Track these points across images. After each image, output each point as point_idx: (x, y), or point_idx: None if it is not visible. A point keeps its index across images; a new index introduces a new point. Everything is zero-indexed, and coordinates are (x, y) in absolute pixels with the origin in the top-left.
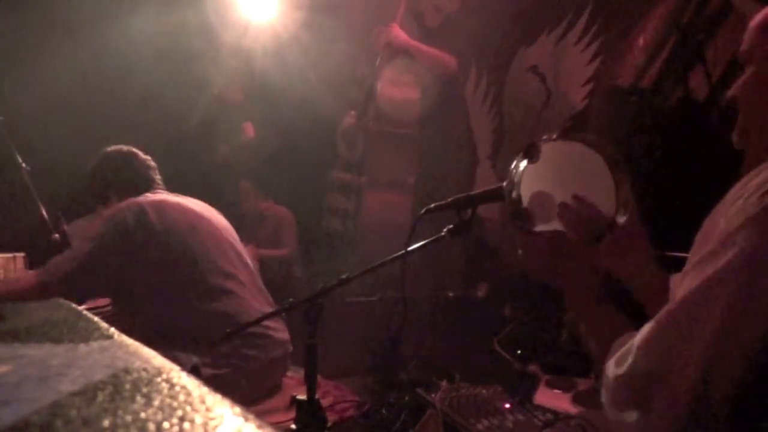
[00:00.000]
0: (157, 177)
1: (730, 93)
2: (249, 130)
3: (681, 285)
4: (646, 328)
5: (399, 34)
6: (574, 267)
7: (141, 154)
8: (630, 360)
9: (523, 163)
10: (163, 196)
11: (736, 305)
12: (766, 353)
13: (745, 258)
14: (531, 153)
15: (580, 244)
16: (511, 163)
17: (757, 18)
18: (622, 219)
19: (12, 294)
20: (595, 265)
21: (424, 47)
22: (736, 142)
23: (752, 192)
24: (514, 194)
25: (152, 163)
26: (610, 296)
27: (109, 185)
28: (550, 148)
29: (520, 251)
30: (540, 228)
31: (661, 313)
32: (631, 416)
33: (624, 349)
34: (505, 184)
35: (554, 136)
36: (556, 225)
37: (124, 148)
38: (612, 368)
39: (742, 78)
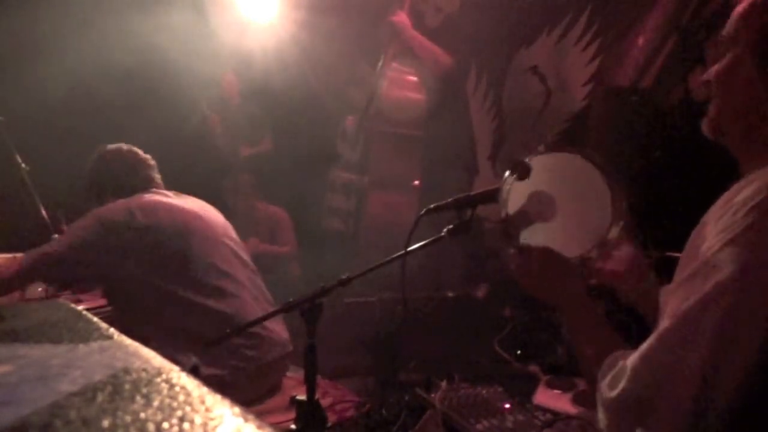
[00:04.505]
0: (157, 176)
1: (704, 77)
2: (266, 142)
3: (670, 301)
4: (640, 350)
5: (406, 21)
6: (565, 284)
7: (140, 152)
8: (623, 382)
9: (512, 180)
10: (157, 197)
11: (728, 324)
12: (761, 367)
13: (734, 277)
14: (519, 170)
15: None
16: (504, 173)
17: (741, 5)
18: (617, 228)
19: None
20: (596, 282)
21: (425, 42)
22: (706, 130)
23: (738, 208)
24: (503, 214)
25: (152, 162)
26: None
27: (105, 186)
28: (538, 162)
29: (513, 269)
30: (529, 243)
31: (654, 335)
32: None
33: (616, 370)
34: (498, 200)
35: (542, 149)
36: (544, 240)
37: (123, 147)
38: (605, 390)
39: (719, 63)
